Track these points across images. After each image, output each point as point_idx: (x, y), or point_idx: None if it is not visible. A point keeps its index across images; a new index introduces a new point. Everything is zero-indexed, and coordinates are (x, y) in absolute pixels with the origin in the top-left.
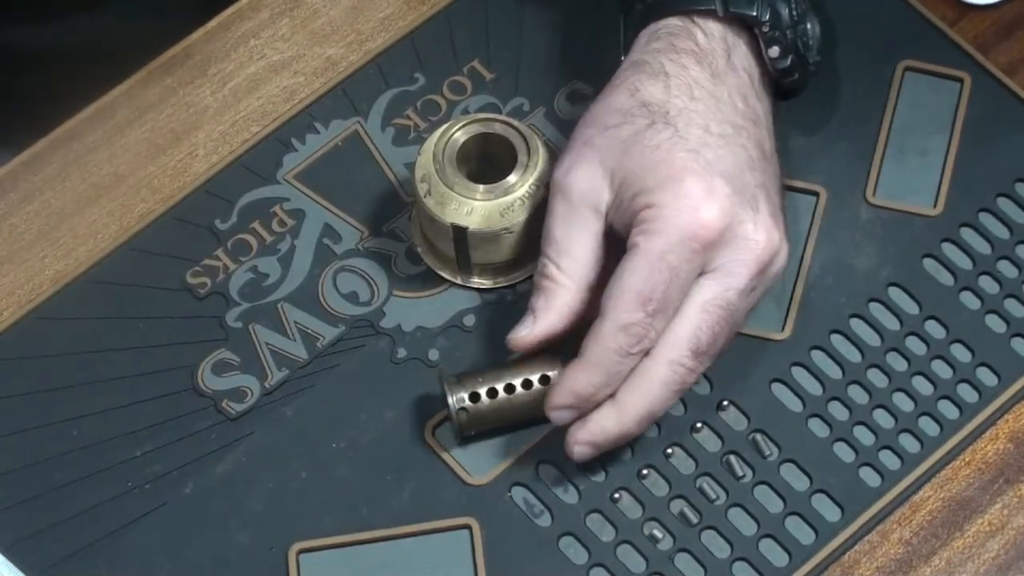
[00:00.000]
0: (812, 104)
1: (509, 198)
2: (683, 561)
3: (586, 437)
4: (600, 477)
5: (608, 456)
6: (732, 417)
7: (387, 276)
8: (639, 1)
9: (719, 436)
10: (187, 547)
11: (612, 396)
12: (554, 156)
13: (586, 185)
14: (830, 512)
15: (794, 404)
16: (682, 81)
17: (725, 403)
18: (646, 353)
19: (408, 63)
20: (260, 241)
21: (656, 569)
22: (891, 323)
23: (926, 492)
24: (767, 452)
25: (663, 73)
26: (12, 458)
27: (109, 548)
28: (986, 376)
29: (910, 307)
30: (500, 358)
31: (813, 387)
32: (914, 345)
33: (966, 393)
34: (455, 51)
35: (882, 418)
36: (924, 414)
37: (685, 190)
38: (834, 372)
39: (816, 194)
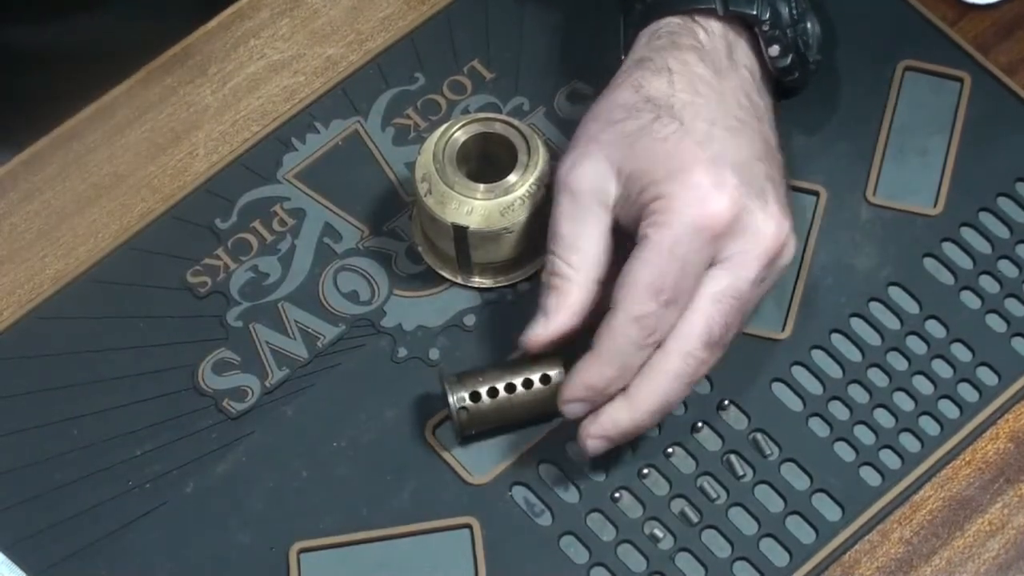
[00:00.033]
0: (812, 104)
1: (509, 198)
2: (684, 560)
3: (599, 431)
4: (601, 476)
5: (608, 456)
6: (732, 417)
7: (387, 275)
8: (639, 1)
9: (719, 436)
10: (187, 547)
11: (624, 389)
12: (554, 156)
13: (592, 180)
14: (831, 511)
15: (794, 403)
16: (686, 77)
17: (726, 403)
18: (658, 345)
19: (408, 63)
20: (260, 240)
21: (657, 568)
22: (891, 323)
23: (926, 491)
24: (768, 451)
25: (666, 69)
26: (12, 458)
27: (109, 548)
28: (986, 375)
29: (910, 307)
30: (500, 357)
31: (813, 386)
32: (914, 345)
33: (966, 393)
34: (455, 51)
35: (882, 417)
36: (924, 413)
37: (694, 181)
38: (834, 371)
39: (816, 194)
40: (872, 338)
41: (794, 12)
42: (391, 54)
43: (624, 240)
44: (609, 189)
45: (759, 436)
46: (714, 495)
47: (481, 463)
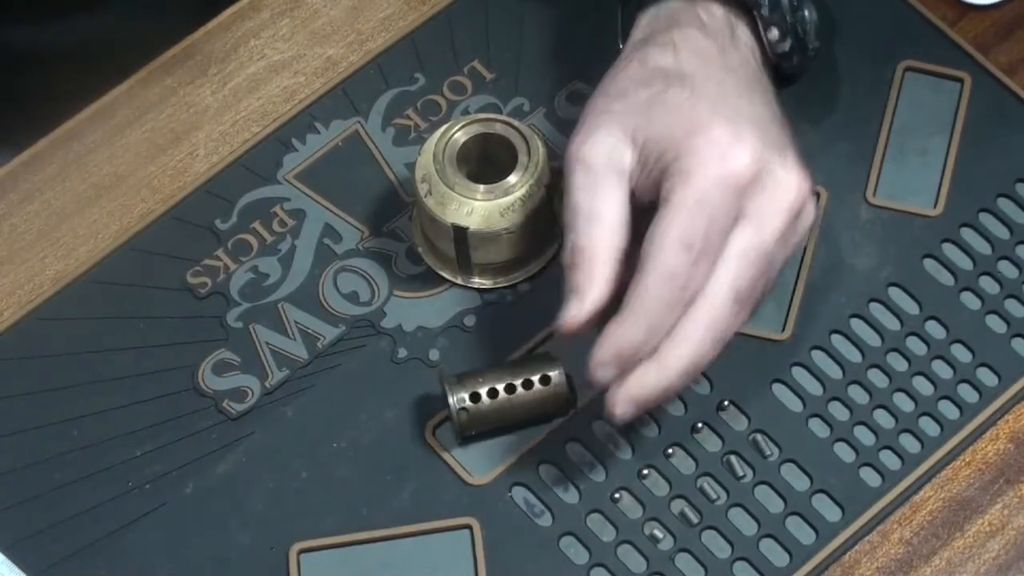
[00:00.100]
0: (812, 104)
1: (509, 198)
2: (684, 561)
3: (627, 395)
4: (600, 477)
5: (608, 456)
6: (732, 417)
7: (387, 276)
8: None
9: (719, 436)
10: (187, 547)
11: (652, 354)
12: (554, 156)
13: (607, 151)
14: (830, 512)
15: (794, 404)
16: (691, 49)
17: (725, 403)
18: (688, 305)
19: (408, 63)
20: (260, 241)
21: (657, 569)
22: (891, 323)
23: (926, 492)
24: (767, 452)
25: (671, 44)
26: (12, 458)
27: (109, 548)
28: (986, 376)
29: (910, 307)
30: (500, 358)
31: (813, 387)
32: (914, 345)
33: (966, 393)
34: (455, 51)
35: (882, 418)
36: (924, 414)
37: (714, 138)
38: (834, 372)
39: (816, 194)
40: (872, 339)
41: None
42: (391, 54)
43: (641, 219)
44: (624, 159)
45: (759, 437)
46: (714, 496)
47: (481, 464)
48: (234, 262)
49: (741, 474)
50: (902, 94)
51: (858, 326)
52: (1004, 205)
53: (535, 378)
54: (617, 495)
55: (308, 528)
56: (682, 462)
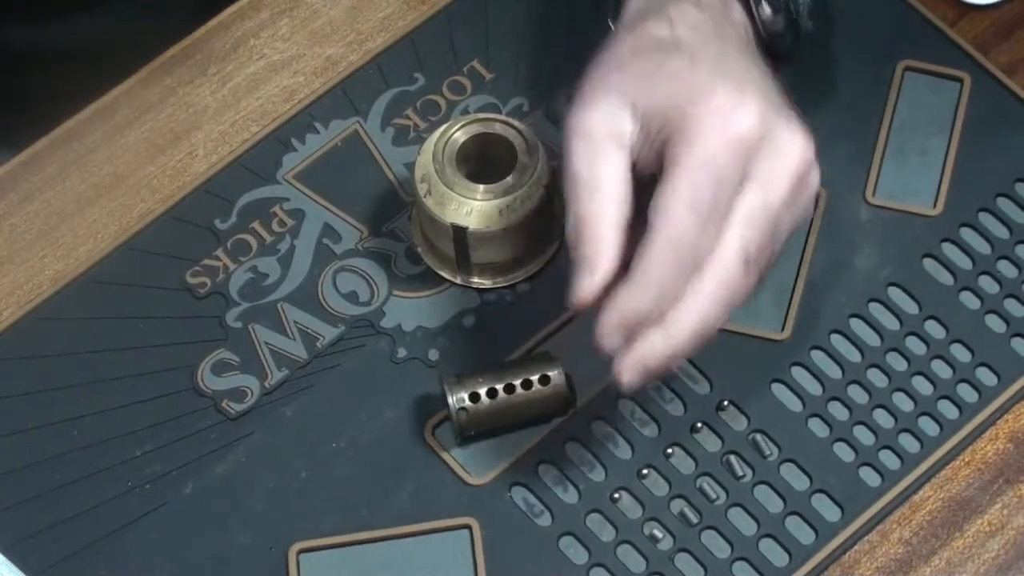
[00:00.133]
0: (812, 104)
1: (509, 198)
2: (683, 561)
3: (634, 362)
4: (600, 477)
5: (608, 456)
6: (732, 417)
7: (387, 276)
8: None
9: (719, 436)
10: (187, 547)
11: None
12: (554, 156)
13: (607, 120)
14: (830, 512)
15: (794, 404)
16: (686, 21)
17: (725, 403)
18: (696, 269)
19: (408, 63)
20: (260, 241)
21: (656, 569)
22: (891, 323)
23: (926, 492)
24: (767, 452)
25: (666, 17)
26: (12, 458)
27: (109, 548)
28: (986, 376)
29: (910, 307)
30: (500, 358)
31: (813, 387)
32: (914, 345)
33: (966, 393)
34: (455, 51)
35: (882, 418)
36: (924, 414)
37: (718, 101)
38: (834, 372)
39: (816, 194)
40: (872, 338)
41: None
42: (391, 54)
43: (642, 193)
44: (624, 128)
45: (759, 436)
46: (714, 495)
47: (481, 463)
48: (233, 262)
49: (741, 474)
50: (902, 94)
51: (858, 326)
52: (1004, 205)
53: (535, 378)
54: (617, 495)
55: (308, 528)
56: (682, 462)
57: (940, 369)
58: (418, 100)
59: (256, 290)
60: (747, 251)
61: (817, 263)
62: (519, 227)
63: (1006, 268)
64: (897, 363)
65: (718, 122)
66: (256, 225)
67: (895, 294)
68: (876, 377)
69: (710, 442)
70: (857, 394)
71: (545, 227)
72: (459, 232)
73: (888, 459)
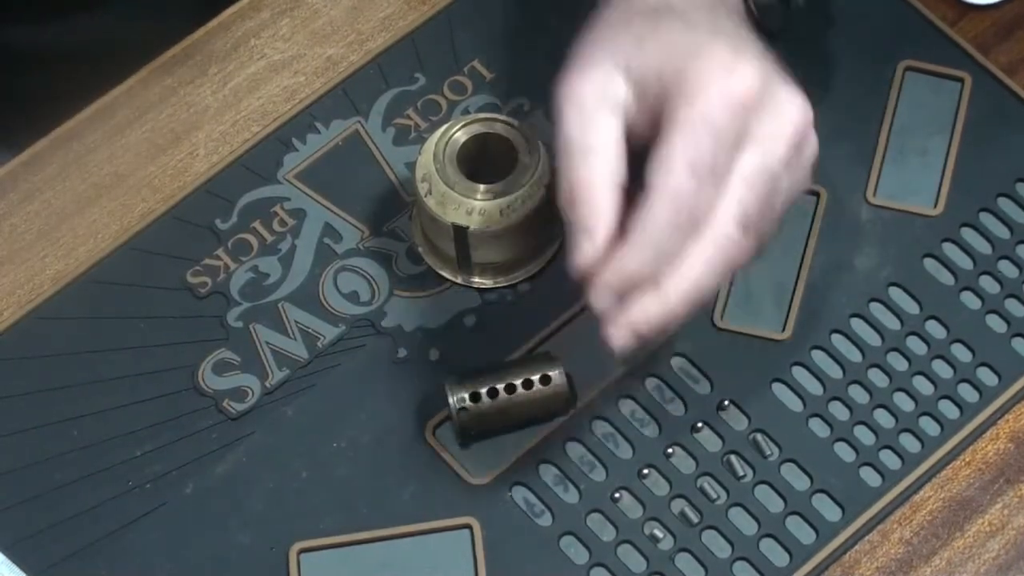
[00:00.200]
0: (812, 104)
1: (509, 198)
2: (684, 561)
3: (627, 323)
4: (600, 477)
5: (608, 455)
6: (732, 417)
7: (388, 276)
8: None
9: (719, 436)
10: (187, 547)
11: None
12: (554, 156)
13: (599, 85)
14: (830, 512)
15: (794, 404)
16: None
17: (725, 403)
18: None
19: (408, 63)
20: (261, 241)
21: (657, 569)
22: (891, 323)
23: (926, 492)
24: (768, 452)
25: None
26: (12, 458)
27: (109, 548)
28: (986, 376)
29: (910, 307)
30: (500, 358)
31: (813, 387)
32: (914, 345)
33: (966, 393)
34: (455, 51)
35: (882, 418)
36: (924, 414)
37: (717, 58)
38: (834, 372)
39: (816, 194)
40: (872, 338)
41: None
42: (391, 54)
43: (637, 162)
44: (618, 92)
45: (759, 436)
46: (714, 495)
47: (481, 463)
48: (234, 262)
49: (741, 474)
50: (902, 94)
51: (858, 326)
52: (1004, 205)
53: (535, 378)
54: (617, 495)
55: (308, 528)
56: (682, 462)
57: (941, 369)
58: (419, 100)
59: (257, 290)
60: (745, 212)
61: (818, 263)
62: (520, 227)
63: (1007, 268)
64: (898, 363)
65: (718, 79)
66: (257, 225)
67: (896, 294)
68: (877, 377)
69: (711, 442)
70: (858, 394)
71: (546, 227)
72: (460, 232)
73: (889, 459)
